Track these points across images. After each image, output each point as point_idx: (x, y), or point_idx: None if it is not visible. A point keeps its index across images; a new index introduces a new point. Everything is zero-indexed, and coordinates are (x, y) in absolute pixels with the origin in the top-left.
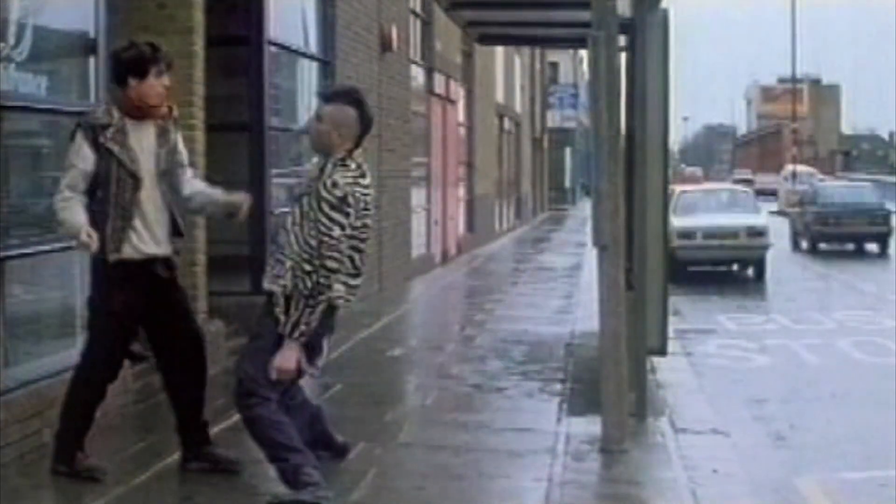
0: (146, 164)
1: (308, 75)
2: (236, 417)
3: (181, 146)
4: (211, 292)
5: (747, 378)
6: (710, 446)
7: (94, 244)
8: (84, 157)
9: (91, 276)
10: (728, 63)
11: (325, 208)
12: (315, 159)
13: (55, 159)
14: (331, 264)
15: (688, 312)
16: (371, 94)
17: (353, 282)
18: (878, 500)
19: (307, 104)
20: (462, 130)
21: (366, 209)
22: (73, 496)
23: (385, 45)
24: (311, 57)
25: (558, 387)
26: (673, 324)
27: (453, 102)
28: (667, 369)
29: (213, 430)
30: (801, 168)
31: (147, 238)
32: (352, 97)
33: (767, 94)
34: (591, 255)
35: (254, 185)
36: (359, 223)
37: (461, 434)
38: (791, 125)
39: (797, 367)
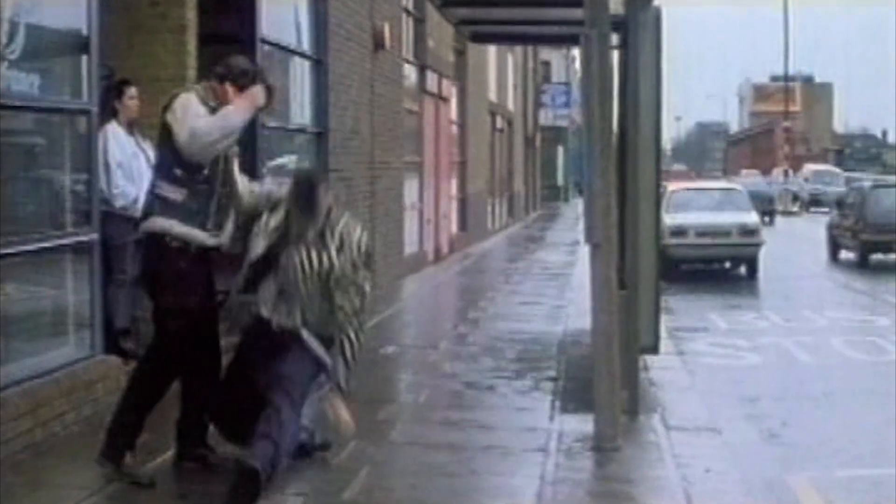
0: None
1: (301, 73)
2: None
3: None
4: None
5: (739, 376)
6: (702, 444)
7: None
8: None
9: (161, 276)
10: (721, 61)
11: (362, 268)
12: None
13: (48, 158)
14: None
15: (680, 310)
16: (363, 93)
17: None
18: (870, 498)
19: (300, 102)
20: (454, 129)
21: None
22: (66, 495)
23: (378, 44)
24: (304, 55)
25: (551, 385)
26: (665, 322)
27: (446, 101)
28: (659, 367)
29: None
30: (818, 167)
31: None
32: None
33: (760, 92)
34: (583, 254)
35: None
36: None
37: (454, 432)
38: (784, 123)
39: (789, 365)
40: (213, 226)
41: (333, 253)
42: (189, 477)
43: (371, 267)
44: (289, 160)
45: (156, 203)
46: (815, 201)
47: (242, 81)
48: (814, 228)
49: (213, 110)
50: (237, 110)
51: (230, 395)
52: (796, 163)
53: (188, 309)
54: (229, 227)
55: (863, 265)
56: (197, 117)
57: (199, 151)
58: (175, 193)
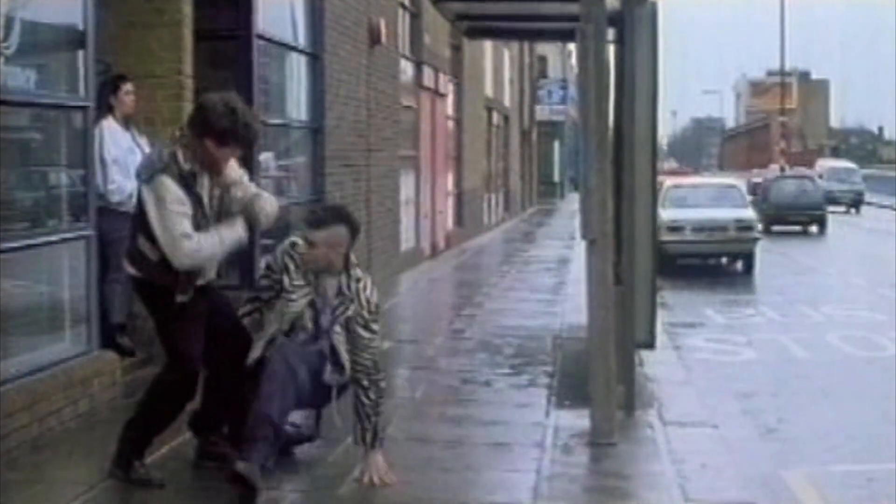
0: None
1: (297, 69)
2: None
3: None
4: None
5: (735, 371)
6: (698, 439)
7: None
8: None
9: (150, 298)
10: (717, 56)
11: (371, 325)
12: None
13: (44, 153)
14: (382, 380)
15: (676, 306)
16: (360, 88)
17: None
18: (865, 494)
19: (296, 98)
20: (451, 124)
21: None
22: (63, 491)
23: (374, 39)
24: (300, 51)
25: (547, 380)
26: (661, 317)
27: (442, 96)
28: (655, 363)
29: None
30: (834, 163)
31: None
32: (340, 215)
33: (756, 87)
34: (579, 249)
35: None
36: None
37: (449, 427)
38: (780, 119)
39: (785, 360)
40: (183, 287)
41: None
42: (183, 473)
43: (377, 323)
44: (265, 157)
45: (136, 255)
46: (830, 200)
47: (222, 138)
48: None
49: (191, 176)
50: (233, 232)
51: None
52: (797, 158)
53: (186, 324)
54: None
55: (767, 231)
56: (176, 223)
57: (186, 264)
58: (152, 253)
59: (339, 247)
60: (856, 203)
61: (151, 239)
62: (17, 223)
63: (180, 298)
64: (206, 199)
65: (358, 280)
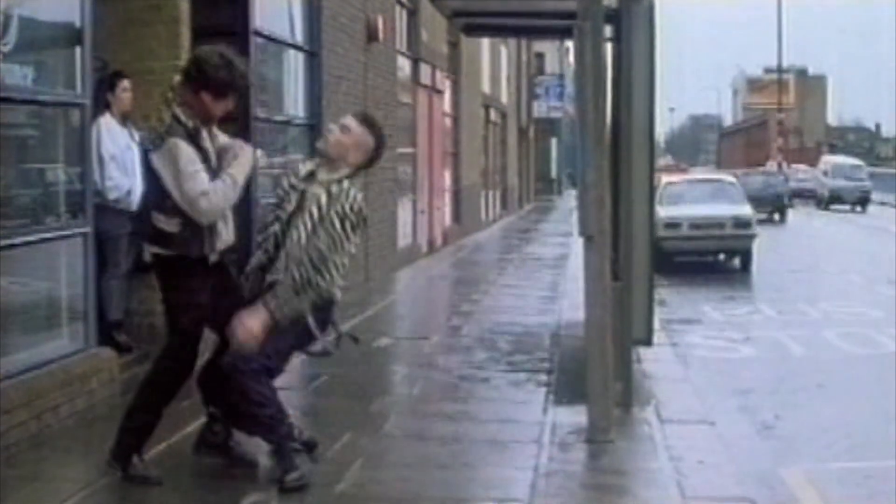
0: None
1: (294, 66)
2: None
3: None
4: None
5: (733, 368)
6: (695, 436)
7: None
8: None
9: (169, 276)
10: (714, 53)
11: (348, 227)
12: (307, 163)
13: (42, 150)
14: (335, 274)
15: (673, 303)
16: (357, 85)
17: (342, 282)
18: (863, 491)
19: (293, 95)
20: (448, 121)
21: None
22: (61, 488)
23: (371, 36)
24: (298, 48)
25: (544, 377)
26: (659, 314)
27: (439, 93)
28: (652, 360)
29: (201, 421)
30: (839, 159)
31: (225, 229)
32: (380, 133)
33: (754, 84)
34: (576, 246)
35: None
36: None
37: (447, 424)
38: (777, 116)
39: (783, 357)
40: (209, 247)
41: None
42: (180, 469)
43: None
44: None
45: (155, 235)
46: (835, 198)
47: (221, 90)
48: None
49: (195, 132)
50: (241, 167)
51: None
52: (794, 155)
53: (200, 304)
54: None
55: None
56: (196, 182)
57: (211, 218)
58: (169, 225)
59: (360, 150)
60: (862, 201)
61: (165, 211)
62: (14, 220)
63: (212, 258)
64: (210, 153)
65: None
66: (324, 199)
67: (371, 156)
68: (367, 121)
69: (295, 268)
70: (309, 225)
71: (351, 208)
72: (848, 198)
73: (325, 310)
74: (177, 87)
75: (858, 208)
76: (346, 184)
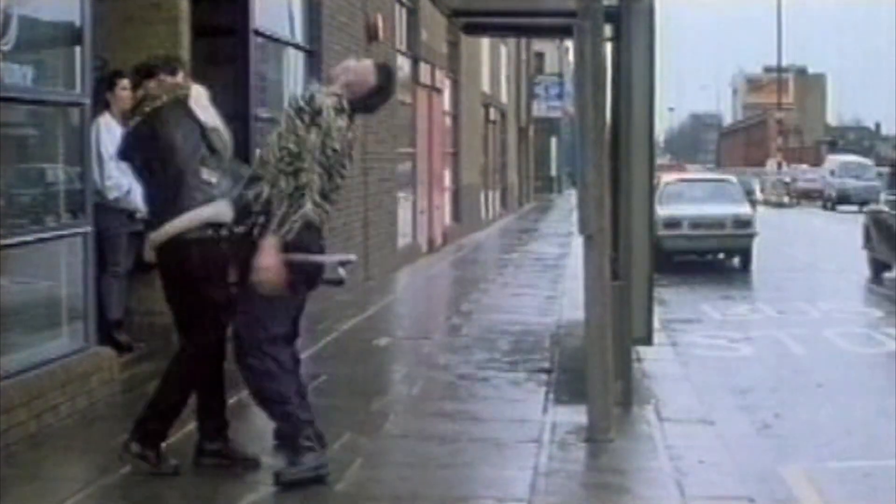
0: None
1: (294, 65)
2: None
3: None
4: None
5: (732, 367)
6: (695, 435)
7: None
8: None
9: (190, 268)
10: (714, 52)
11: (305, 117)
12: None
13: (41, 150)
14: (305, 165)
15: (673, 302)
16: None
17: (322, 202)
18: (863, 490)
19: (293, 94)
20: (448, 120)
21: (340, 134)
22: (60, 486)
23: (371, 35)
24: (297, 47)
25: (544, 376)
26: (658, 313)
27: (439, 92)
28: (652, 359)
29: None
30: (846, 158)
31: None
32: (387, 76)
33: (753, 83)
34: (576, 245)
35: None
36: (332, 144)
37: (447, 424)
38: (777, 115)
39: (782, 356)
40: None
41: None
42: (181, 469)
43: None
44: None
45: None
46: (842, 198)
47: (173, 66)
48: None
49: None
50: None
51: None
52: (794, 154)
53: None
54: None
55: None
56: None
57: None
58: (210, 176)
59: (360, 78)
60: (870, 202)
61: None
62: (14, 220)
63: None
64: None
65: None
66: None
67: (368, 92)
68: (379, 63)
69: (277, 183)
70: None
71: (304, 99)
72: (856, 198)
73: (311, 231)
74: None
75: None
76: (314, 86)
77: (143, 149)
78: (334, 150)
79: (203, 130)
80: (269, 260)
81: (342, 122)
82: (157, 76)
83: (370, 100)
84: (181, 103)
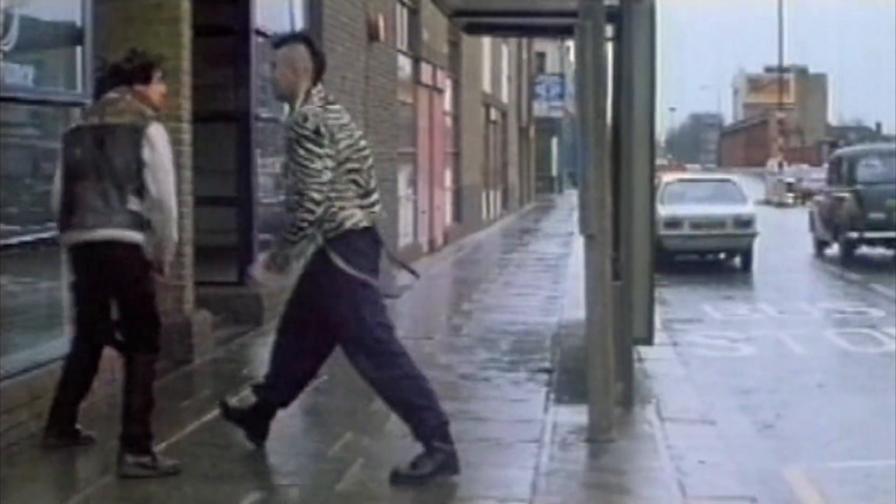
0: None
1: None
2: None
3: None
4: (197, 282)
5: (734, 367)
6: (696, 435)
7: None
8: None
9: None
10: (715, 52)
11: (303, 142)
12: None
13: (42, 150)
14: (315, 196)
15: (674, 302)
16: (358, 84)
17: (367, 201)
18: (864, 490)
19: (287, 122)
20: (449, 120)
21: (342, 132)
22: (62, 487)
23: (372, 35)
24: None
25: (545, 376)
26: (659, 313)
27: (440, 92)
28: (653, 359)
29: (202, 420)
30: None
31: None
32: (299, 36)
33: (754, 83)
34: (577, 245)
35: (241, 175)
36: (342, 146)
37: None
38: (778, 115)
39: (783, 356)
40: None
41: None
42: (184, 469)
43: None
44: None
45: (128, 217)
46: None
47: (147, 75)
48: None
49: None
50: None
51: None
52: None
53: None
54: None
55: None
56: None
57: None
58: (138, 206)
59: (297, 64)
60: None
61: (140, 195)
62: (15, 220)
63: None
64: None
65: (297, 110)
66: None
67: (311, 60)
68: (285, 38)
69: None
70: (281, 169)
71: (297, 124)
72: None
73: (360, 236)
74: None
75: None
76: (297, 109)
77: (87, 148)
78: (349, 146)
79: (140, 167)
80: (256, 275)
81: (335, 108)
82: (132, 84)
83: (317, 67)
84: (138, 131)
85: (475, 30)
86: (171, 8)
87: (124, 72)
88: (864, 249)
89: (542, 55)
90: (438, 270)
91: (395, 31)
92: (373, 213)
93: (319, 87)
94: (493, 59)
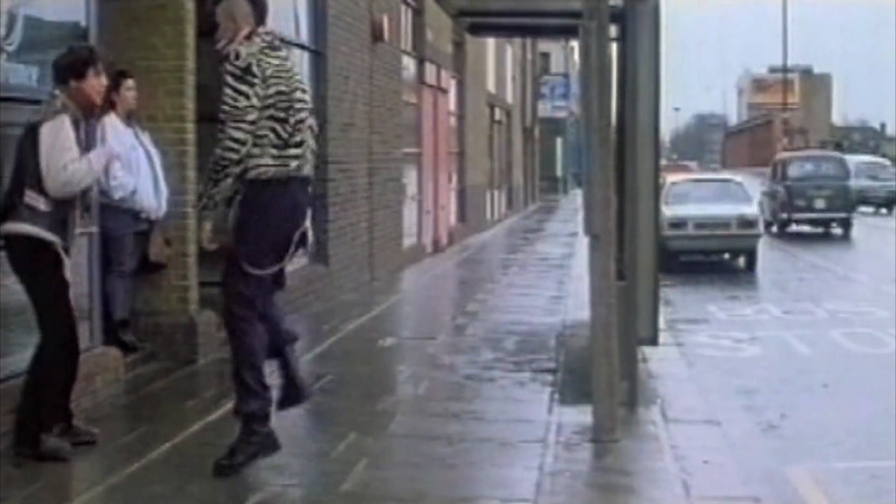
0: None
1: (299, 66)
2: (228, 407)
3: None
4: (202, 283)
5: (738, 367)
6: (700, 436)
7: None
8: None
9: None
10: (719, 53)
11: (230, 80)
12: None
13: None
14: (237, 134)
15: (679, 302)
16: (362, 84)
17: (283, 153)
18: (868, 490)
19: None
20: (453, 120)
21: (278, 77)
22: (66, 486)
23: (376, 35)
24: (303, 47)
25: (550, 377)
26: (664, 313)
27: (444, 92)
28: (658, 359)
29: (206, 420)
30: (864, 158)
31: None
32: None
33: (758, 83)
34: (582, 245)
35: None
36: (272, 91)
37: (452, 424)
38: (782, 115)
39: (788, 357)
40: (70, 236)
41: None
42: (186, 469)
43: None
44: None
45: (23, 210)
46: (860, 199)
47: (80, 71)
48: None
49: (77, 122)
50: (98, 158)
51: None
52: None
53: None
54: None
55: None
56: (66, 156)
57: (62, 193)
58: (42, 204)
59: (235, 13)
60: (889, 203)
61: (38, 188)
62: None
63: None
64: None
65: (248, 42)
66: None
67: (250, 5)
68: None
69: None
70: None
71: (228, 60)
72: (874, 199)
73: (273, 186)
74: None
75: (884, 210)
76: (234, 45)
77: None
78: (279, 93)
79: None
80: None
81: (275, 54)
82: (67, 81)
83: (257, 11)
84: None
85: (479, 30)
86: (175, 8)
87: (58, 68)
88: (793, 228)
89: (546, 55)
90: (443, 270)
91: (399, 31)
92: (285, 166)
93: (267, 29)
94: (497, 60)
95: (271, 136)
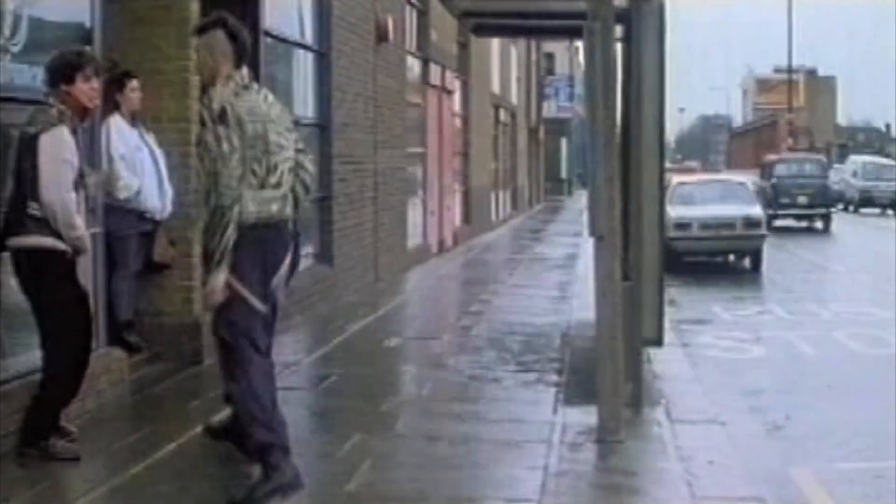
0: None
1: (304, 66)
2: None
3: None
4: (206, 284)
5: (743, 368)
6: (705, 436)
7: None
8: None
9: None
10: (724, 53)
11: (210, 125)
12: None
13: None
14: (225, 180)
15: (684, 303)
16: (367, 85)
17: (262, 195)
18: (873, 490)
19: (302, 95)
20: (458, 121)
21: (252, 120)
22: (68, 488)
23: (381, 36)
24: (307, 48)
25: (554, 377)
26: (669, 314)
27: (449, 93)
28: (663, 360)
29: (211, 421)
30: (869, 159)
31: None
32: (218, 22)
33: (763, 84)
34: (587, 246)
35: None
36: (249, 132)
37: (457, 424)
38: (787, 116)
39: (793, 358)
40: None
41: None
42: (190, 469)
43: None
44: None
45: (29, 222)
46: (865, 200)
47: (69, 76)
48: None
49: (75, 130)
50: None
51: None
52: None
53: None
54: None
55: None
56: (62, 179)
57: (51, 211)
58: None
59: (215, 50)
60: (895, 204)
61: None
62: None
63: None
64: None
65: (224, 86)
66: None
67: (230, 44)
68: (205, 25)
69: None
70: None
71: (204, 106)
72: (880, 200)
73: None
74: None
75: (890, 211)
76: (212, 90)
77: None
78: (254, 135)
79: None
80: (216, 285)
81: (250, 96)
82: (57, 85)
83: (237, 50)
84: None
85: (484, 31)
86: (179, 9)
87: (48, 72)
88: (778, 222)
89: (551, 56)
90: (448, 271)
91: (403, 32)
92: (265, 210)
93: (243, 71)
94: (502, 60)
95: (251, 178)
